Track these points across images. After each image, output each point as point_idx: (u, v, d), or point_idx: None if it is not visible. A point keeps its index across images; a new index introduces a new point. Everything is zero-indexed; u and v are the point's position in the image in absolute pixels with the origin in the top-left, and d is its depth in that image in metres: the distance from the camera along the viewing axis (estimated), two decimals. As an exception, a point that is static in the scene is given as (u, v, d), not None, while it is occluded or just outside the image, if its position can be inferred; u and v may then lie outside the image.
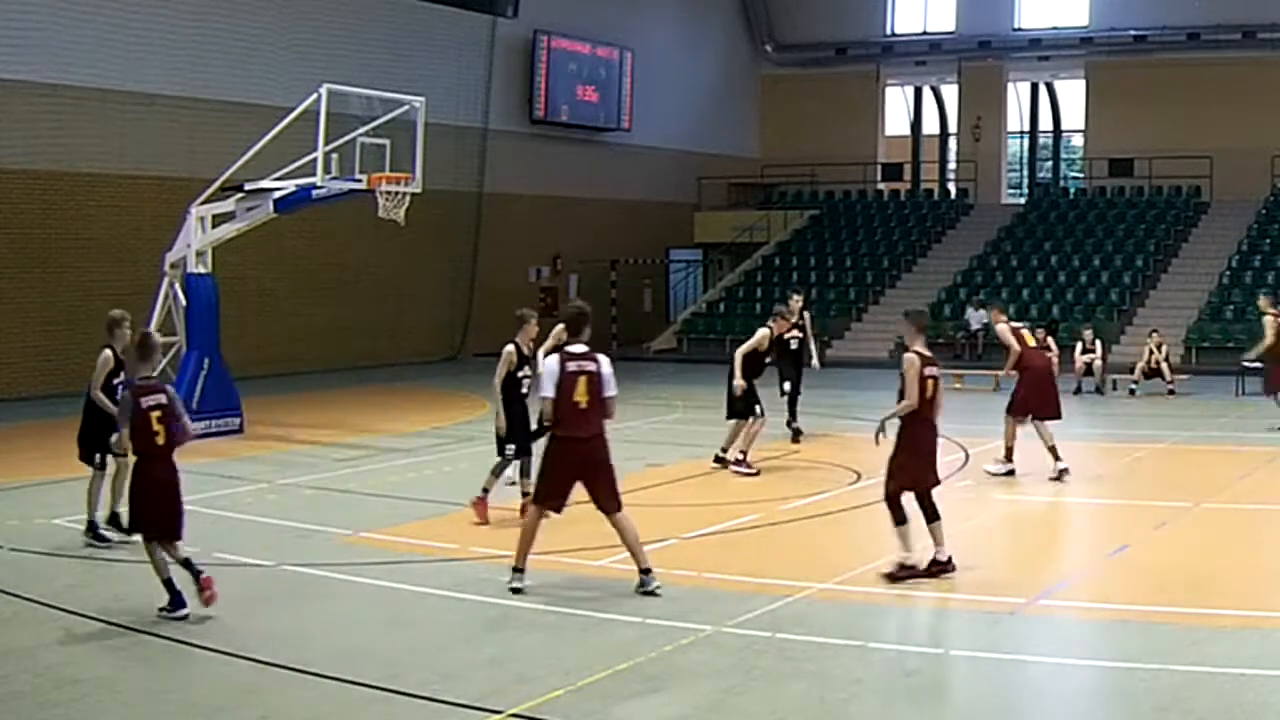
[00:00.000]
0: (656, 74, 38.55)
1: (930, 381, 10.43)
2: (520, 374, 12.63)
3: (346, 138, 19.10)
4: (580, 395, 9.64)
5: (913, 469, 10.40)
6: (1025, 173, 44.25)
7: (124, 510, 10.78)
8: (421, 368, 30.66)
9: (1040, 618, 9.58)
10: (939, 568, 10.30)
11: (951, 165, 43.64)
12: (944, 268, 35.87)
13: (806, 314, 18.50)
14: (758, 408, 15.68)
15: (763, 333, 16.13)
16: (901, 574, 10.20)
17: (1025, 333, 15.98)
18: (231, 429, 19.26)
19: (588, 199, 37.20)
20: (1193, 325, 30.51)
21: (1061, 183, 43.79)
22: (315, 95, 18.67)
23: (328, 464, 16.76)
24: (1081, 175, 43.08)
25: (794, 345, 17.95)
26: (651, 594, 9.76)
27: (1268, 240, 33.57)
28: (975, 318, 31.59)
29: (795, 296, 18.43)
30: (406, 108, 19.84)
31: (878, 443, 10.34)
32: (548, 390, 9.66)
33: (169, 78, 26.07)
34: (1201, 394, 24.39)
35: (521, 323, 12.73)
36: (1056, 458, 14.97)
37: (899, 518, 10.32)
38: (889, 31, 41.73)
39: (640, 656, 8.41)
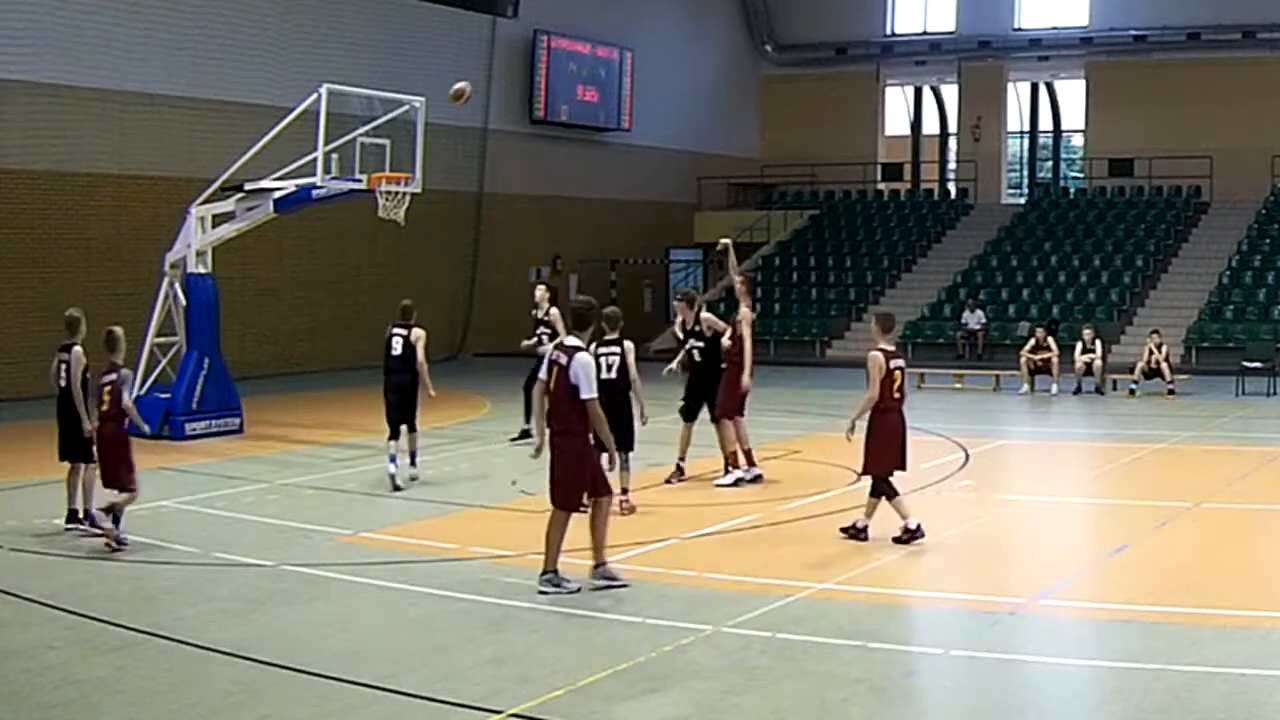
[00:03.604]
0: (656, 74, 38.55)
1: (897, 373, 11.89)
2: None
3: (346, 138, 19.10)
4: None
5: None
6: (1025, 173, 44.24)
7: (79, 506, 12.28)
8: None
9: (1040, 618, 9.59)
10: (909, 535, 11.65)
11: (951, 165, 43.63)
12: (944, 268, 35.86)
13: (554, 310, 17.78)
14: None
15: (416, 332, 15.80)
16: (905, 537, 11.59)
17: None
18: (231, 429, 19.27)
19: (588, 199, 37.20)
20: (1193, 325, 30.50)
21: (1061, 183, 43.78)
22: (315, 95, 18.67)
23: (328, 464, 16.76)
24: (1081, 175, 43.09)
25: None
26: None
27: (1268, 240, 33.58)
28: (973, 318, 31.63)
29: (541, 289, 18.15)
30: (406, 108, 19.83)
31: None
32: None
33: (169, 78, 26.06)
34: (1201, 394, 24.37)
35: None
36: (748, 463, 14.88)
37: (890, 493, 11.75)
38: (889, 31, 41.72)
39: (640, 656, 8.41)
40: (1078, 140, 43.44)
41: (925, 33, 41.24)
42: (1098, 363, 25.01)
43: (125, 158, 25.77)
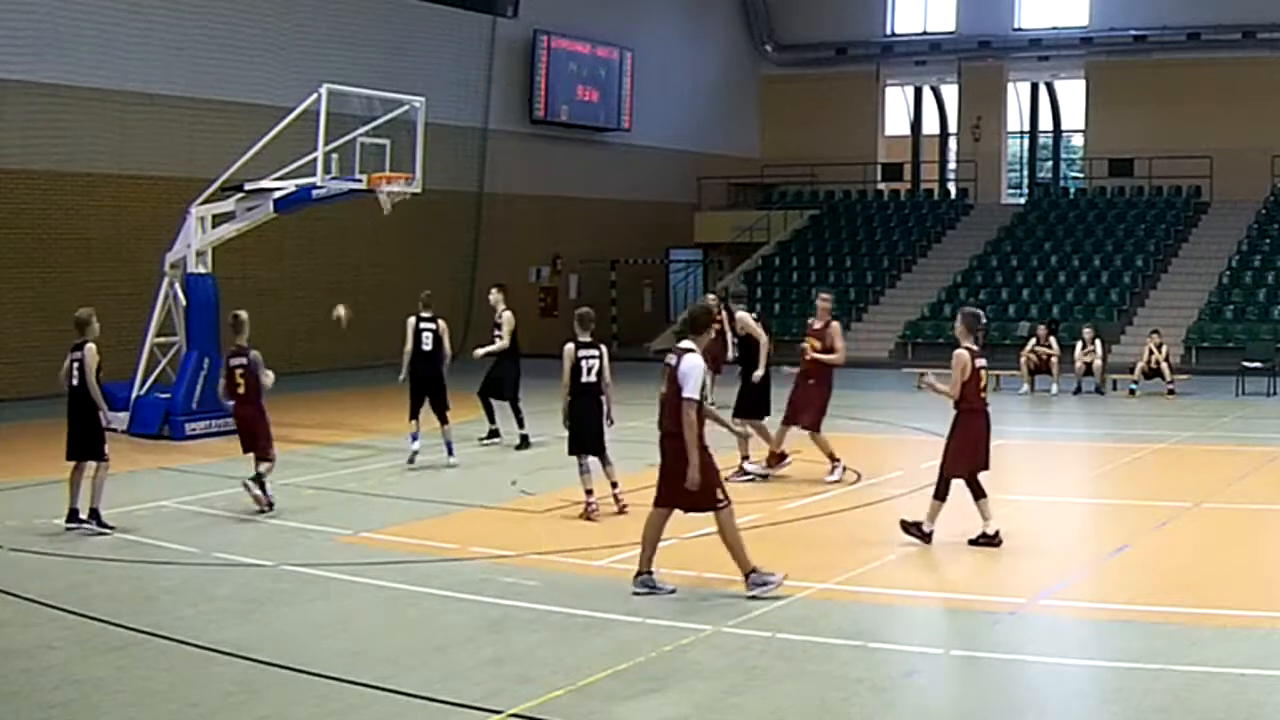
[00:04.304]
0: (656, 74, 38.55)
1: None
2: None
3: (346, 138, 19.11)
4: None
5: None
6: (1025, 173, 44.25)
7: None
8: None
9: (1040, 618, 9.59)
10: (986, 540, 11.52)
11: (951, 165, 43.65)
12: (944, 268, 35.86)
13: (508, 313, 17.70)
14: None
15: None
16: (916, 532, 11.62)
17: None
18: (231, 429, 19.16)
19: (588, 199, 37.20)
20: (1193, 325, 30.51)
21: (1061, 183, 43.80)
22: (315, 95, 18.69)
23: (328, 464, 16.78)
24: (1081, 175, 43.09)
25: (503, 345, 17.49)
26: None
27: (1268, 240, 33.58)
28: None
29: (495, 292, 17.91)
30: (406, 108, 19.85)
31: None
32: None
33: (169, 78, 26.06)
34: (1201, 394, 24.37)
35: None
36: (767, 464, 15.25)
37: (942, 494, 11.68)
38: (889, 31, 41.73)
39: (640, 656, 8.41)
40: (1078, 140, 43.44)
41: (925, 33, 41.25)
42: (1098, 363, 25.01)
43: (125, 158, 25.77)
